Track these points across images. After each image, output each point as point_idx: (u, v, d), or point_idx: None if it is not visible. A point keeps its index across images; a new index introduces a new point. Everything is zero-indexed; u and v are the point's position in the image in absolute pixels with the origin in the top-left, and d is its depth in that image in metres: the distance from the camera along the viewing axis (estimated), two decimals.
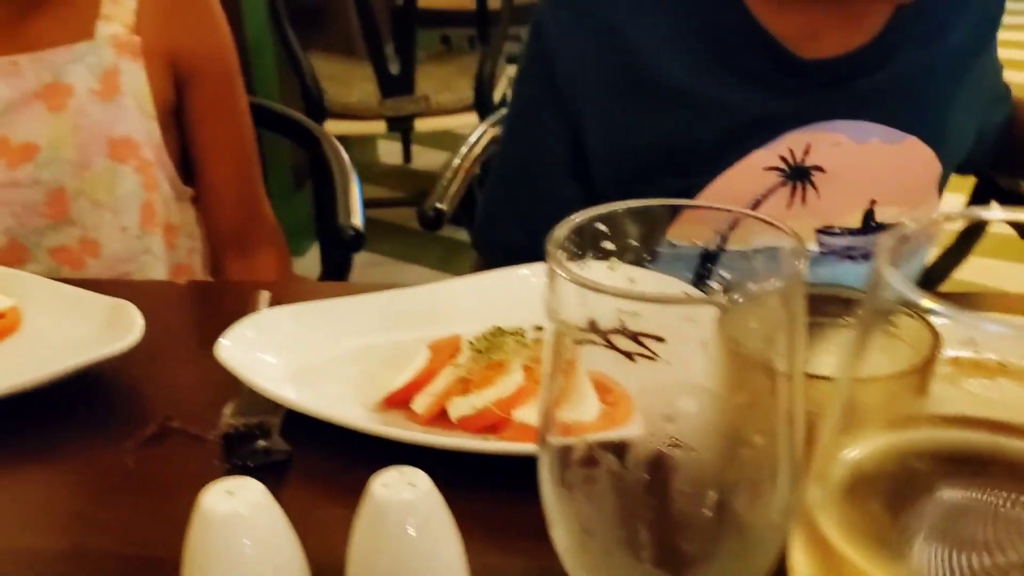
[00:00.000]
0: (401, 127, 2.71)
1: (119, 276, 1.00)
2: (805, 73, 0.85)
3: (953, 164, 0.95)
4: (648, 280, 0.37)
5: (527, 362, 0.63)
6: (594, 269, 0.37)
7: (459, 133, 3.83)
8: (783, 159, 0.86)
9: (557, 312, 0.34)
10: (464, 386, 0.61)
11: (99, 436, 0.65)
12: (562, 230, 0.36)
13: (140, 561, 0.54)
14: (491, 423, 0.60)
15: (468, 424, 0.61)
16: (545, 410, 0.36)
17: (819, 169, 0.87)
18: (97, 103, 0.96)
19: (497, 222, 0.99)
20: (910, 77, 0.88)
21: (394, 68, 2.56)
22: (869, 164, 0.88)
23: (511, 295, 0.71)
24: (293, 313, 0.72)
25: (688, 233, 0.78)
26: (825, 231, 0.89)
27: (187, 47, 1.02)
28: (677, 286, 0.50)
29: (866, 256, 0.89)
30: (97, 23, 0.97)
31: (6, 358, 0.73)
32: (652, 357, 0.34)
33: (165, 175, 1.03)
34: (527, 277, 0.75)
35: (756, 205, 0.88)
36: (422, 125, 2.66)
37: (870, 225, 0.90)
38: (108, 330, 0.73)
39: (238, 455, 0.61)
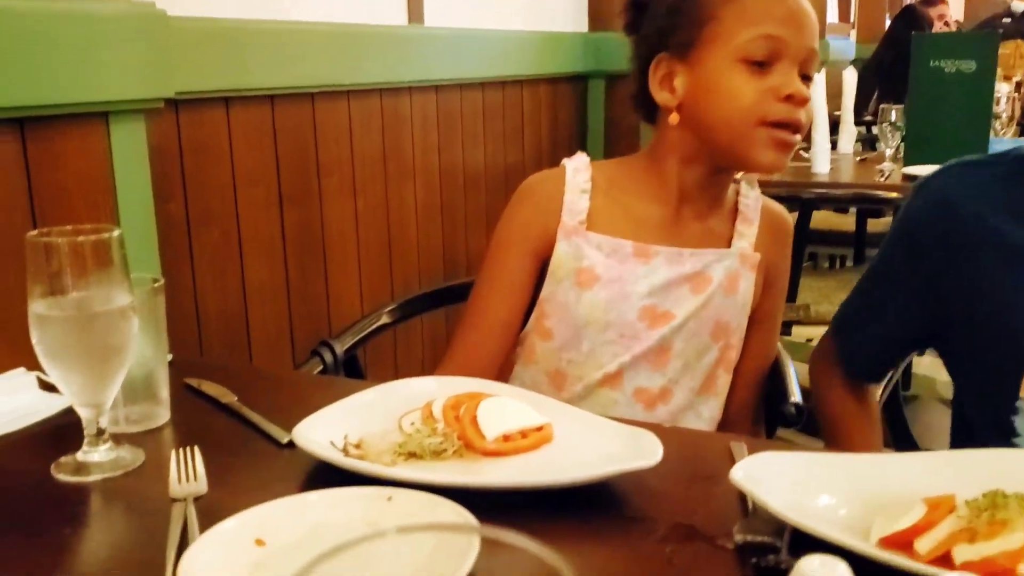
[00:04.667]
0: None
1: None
2: None
3: None
4: None
5: None
6: None
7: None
8: None
9: None
10: (970, 535, 0.69)
11: (621, 536, 0.80)
12: None
13: None
14: (995, 572, 0.67)
15: (972, 568, 0.68)
16: None
17: None
18: (722, 296, 1.25)
19: (849, 324, 1.33)
20: None
21: None
22: None
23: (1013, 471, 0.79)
24: (790, 458, 0.85)
25: None
26: None
27: (774, 265, 1.31)
28: None
29: None
30: (733, 239, 1.28)
31: (545, 461, 0.92)
32: None
33: (736, 358, 1.29)
34: None
35: None
36: (798, 332, 2.77)
37: None
38: (629, 451, 0.90)
39: (752, 566, 0.73)
